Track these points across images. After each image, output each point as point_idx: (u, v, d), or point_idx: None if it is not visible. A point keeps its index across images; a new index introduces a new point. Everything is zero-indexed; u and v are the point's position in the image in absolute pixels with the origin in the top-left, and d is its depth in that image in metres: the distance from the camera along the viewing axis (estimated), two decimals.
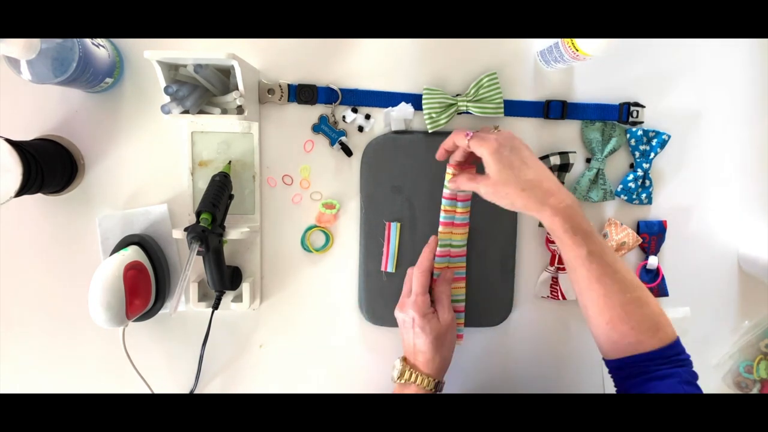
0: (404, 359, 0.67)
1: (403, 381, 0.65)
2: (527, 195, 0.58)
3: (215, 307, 0.70)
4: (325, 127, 0.73)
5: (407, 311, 0.67)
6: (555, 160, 0.72)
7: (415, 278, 0.68)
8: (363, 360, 0.77)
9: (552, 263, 0.75)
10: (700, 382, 0.58)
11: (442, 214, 0.72)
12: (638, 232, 0.76)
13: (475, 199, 0.73)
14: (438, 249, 0.72)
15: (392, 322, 0.73)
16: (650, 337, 0.58)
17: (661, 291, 0.77)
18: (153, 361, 0.75)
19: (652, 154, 0.74)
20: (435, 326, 0.66)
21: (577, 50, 0.63)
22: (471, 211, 0.72)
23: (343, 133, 0.73)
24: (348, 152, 0.73)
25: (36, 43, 0.56)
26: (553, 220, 0.58)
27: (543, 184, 0.59)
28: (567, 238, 0.58)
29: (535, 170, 0.60)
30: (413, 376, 0.65)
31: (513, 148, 0.60)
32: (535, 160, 0.61)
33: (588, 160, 0.75)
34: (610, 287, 0.58)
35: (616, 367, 0.61)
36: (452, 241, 0.73)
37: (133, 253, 0.69)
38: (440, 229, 0.73)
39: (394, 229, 0.73)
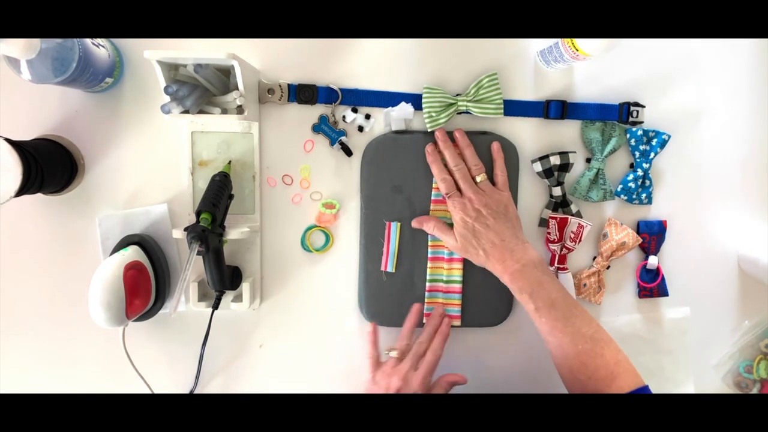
0: None
1: None
2: (482, 260, 0.68)
3: (215, 307, 0.70)
4: (325, 127, 0.73)
5: (409, 384, 0.64)
6: (555, 160, 0.72)
7: (426, 357, 0.67)
8: (363, 360, 0.76)
9: (552, 263, 0.75)
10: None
11: (433, 192, 0.73)
12: (638, 232, 0.76)
13: None
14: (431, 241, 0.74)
15: (392, 322, 0.73)
16: (607, 386, 0.60)
17: (661, 291, 0.77)
18: (153, 361, 0.75)
19: (652, 154, 0.74)
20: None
21: (577, 50, 0.63)
22: None
23: (343, 133, 0.73)
24: (348, 152, 0.73)
25: (36, 43, 0.56)
26: (504, 280, 0.67)
27: (496, 251, 0.66)
28: (517, 296, 0.66)
29: (492, 238, 0.67)
30: None
31: (478, 217, 0.67)
32: (496, 227, 0.67)
33: (588, 160, 0.75)
34: (561, 339, 0.63)
35: None
36: (447, 219, 0.73)
37: (133, 253, 0.69)
38: (431, 207, 0.73)
39: (394, 229, 0.73)
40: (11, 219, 0.72)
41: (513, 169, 0.74)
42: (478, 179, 0.70)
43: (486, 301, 0.75)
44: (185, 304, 0.73)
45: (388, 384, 0.65)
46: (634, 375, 0.61)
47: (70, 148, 0.71)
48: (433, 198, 0.73)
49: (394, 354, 0.68)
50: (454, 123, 0.73)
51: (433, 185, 0.73)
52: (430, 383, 0.66)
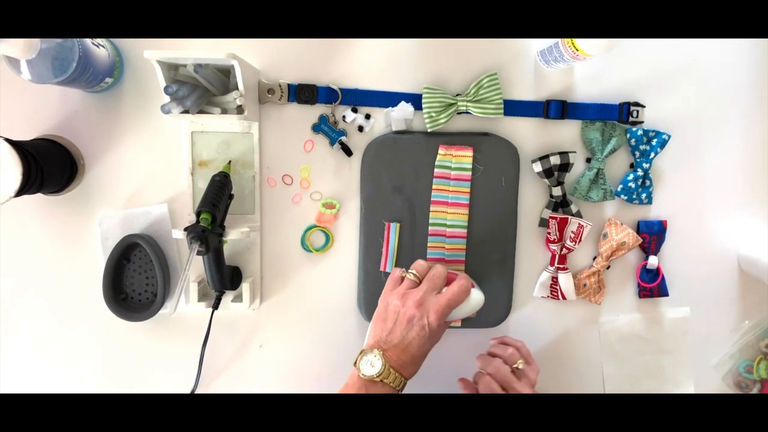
0: (383, 354, 0.58)
1: (378, 379, 0.57)
2: None
3: (215, 307, 0.70)
4: (325, 127, 0.73)
5: (425, 311, 0.58)
6: (555, 160, 0.72)
7: (440, 279, 0.62)
8: None
9: (552, 263, 0.75)
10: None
11: (433, 192, 0.73)
12: (638, 232, 0.76)
13: (475, 192, 0.73)
14: (430, 228, 0.73)
15: None
16: None
17: (661, 291, 0.77)
18: (153, 361, 0.75)
19: (652, 154, 0.74)
20: (440, 337, 0.62)
21: (577, 50, 0.63)
22: (471, 195, 0.73)
23: (343, 132, 0.73)
24: (348, 152, 0.73)
25: (36, 43, 0.56)
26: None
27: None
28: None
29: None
30: (392, 376, 0.57)
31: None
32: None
33: (588, 160, 0.75)
34: None
35: None
36: (446, 220, 0.73)
37: None
38: (431, 208, 0.73)
39: (393, 230, 0.73)
40: (11, 219, 0.72)
41: (513, 170, 0.74)
42: (520, 367, 0.66)
43: (486, 301, 0.75)
44: (185, 304, 0.73)
45: (399, 309, 0.59)
46: None
47: (70, 148, 0.71)
48: (432, 199, 0.73)
49: (411, 276, 0.62)
50: (454, 123, 0.73)
51: (433, 186, 0.73)
52: (446, 317, 0.59)
